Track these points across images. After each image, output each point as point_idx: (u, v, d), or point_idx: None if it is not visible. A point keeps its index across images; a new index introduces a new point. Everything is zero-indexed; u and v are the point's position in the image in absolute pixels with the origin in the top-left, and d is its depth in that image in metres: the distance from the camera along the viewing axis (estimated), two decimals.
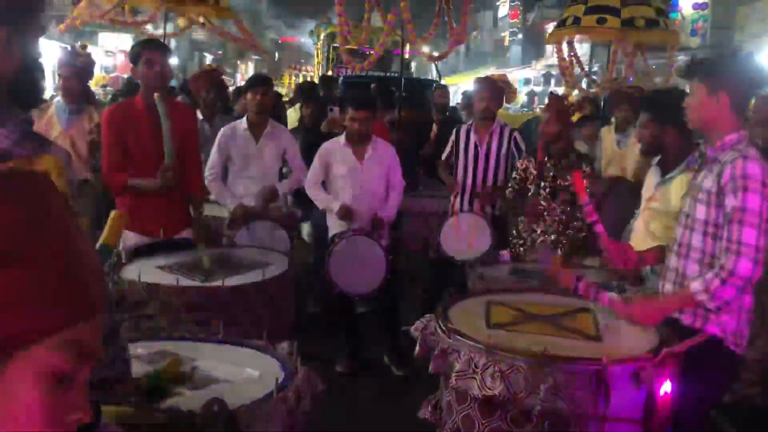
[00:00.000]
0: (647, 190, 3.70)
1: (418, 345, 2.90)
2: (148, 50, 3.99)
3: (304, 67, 25.24)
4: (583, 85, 9.24)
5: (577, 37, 8.61)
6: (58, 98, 4.85)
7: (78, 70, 5.04)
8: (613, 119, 6.38)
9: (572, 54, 8.67)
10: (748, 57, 2.91)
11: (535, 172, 4.73)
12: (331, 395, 4.03)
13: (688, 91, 2.87)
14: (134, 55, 4.05)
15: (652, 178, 3.69)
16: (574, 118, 4.79)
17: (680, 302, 2.76)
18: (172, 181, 3.92)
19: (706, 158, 2.79)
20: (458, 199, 5.56)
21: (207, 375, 2.37)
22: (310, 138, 6.24)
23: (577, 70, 8.87)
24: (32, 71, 1.66)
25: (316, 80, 13.16)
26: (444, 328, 2.77)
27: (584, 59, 9.76)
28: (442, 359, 2.71)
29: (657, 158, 3.70)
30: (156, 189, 3.92)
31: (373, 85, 8.57)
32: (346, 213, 4.87)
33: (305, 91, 7.91)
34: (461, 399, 2.66)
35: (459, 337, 2.67)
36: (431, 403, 3.06)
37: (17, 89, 1.63)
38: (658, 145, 3.60)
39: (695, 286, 2.60)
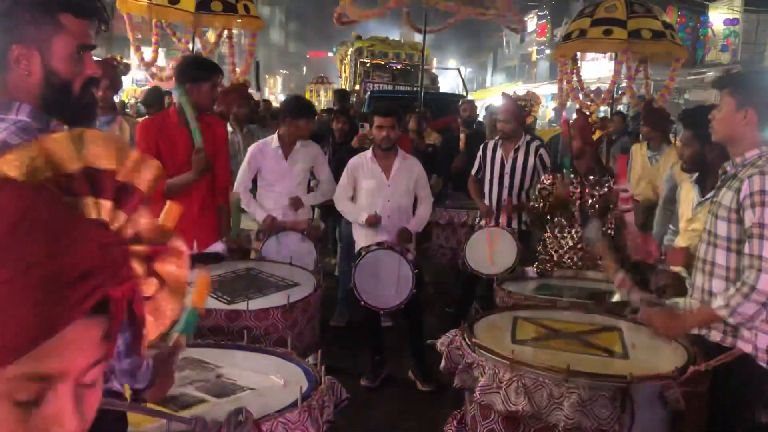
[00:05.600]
0: (686, 208, 3.66)
1: (443, 359, 2.90)
2: (217, 74, 4.08)
3: (326, 81, 25.32)
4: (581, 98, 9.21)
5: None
6: None
7: (114, 82, 5.13)
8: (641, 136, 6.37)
9: (574, 71, 8.69)
10: None
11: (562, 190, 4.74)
12: (355, 409, 4.07)
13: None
14: (198, 75, 4.00)
15: (690, 195, 3.66)
16: (595, 135, 4.80)
17: (703, 318, 2.73)
18: (204, 163, 3.92)
19: (726, 175, 2.77)
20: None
21: (232, 383, 2.40)
22: (341, 153, 6.29)
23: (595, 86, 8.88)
24: (69, 87, 1.67)
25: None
26: (469, 342, 2.77)
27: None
28: (466, 373, 2.71)
29: (694, 176, 3.67)
30: (190, 181, 3.93)
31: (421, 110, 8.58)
32: (373, 221, 4.90)
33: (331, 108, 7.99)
34: (486, 413, 2.66)
35: (484, 351, 2.68)
36: (456, 418, 3.05)
37: (51, 104, 1.65)
38: (700, 162, 3.57)
39: (717, 302, 2.58)
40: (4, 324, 0.64)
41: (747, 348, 2.65)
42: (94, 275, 0.69)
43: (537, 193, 4.96)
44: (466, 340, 2.80)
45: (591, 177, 4.69)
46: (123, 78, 5.81)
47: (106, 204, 0.74)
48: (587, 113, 6.39)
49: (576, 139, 4.68)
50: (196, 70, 4.11)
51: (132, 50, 8.89)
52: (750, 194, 2.54)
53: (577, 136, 4.68)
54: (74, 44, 1.64)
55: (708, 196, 3.44)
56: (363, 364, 5.02)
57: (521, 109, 5.64)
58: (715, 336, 2.72)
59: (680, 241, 3.53)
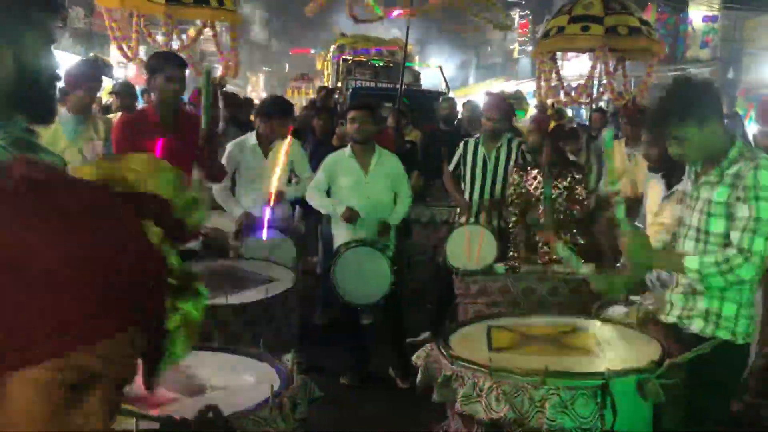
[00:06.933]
0: (652, 204, 3.68)
1: (420, 374, 2.87)
2: (170, 66, 4.02)
3: (308, 78, 25.23)
4: (561, 97, 9.27)
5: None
6: (63, 109, 4.83)
7: (98, 82, 5.07)
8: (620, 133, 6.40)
9: (553, 70, 8.76)
10: (705, 81, 2.98)
11: (529, 188, 4.79)
12: (335, 407, 4.07)
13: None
14: (153, 68, 4.05)
15: (655, 190, 3.68)
16: (551, 126, 4.85)
17: (671, 267, 2.84)
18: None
19: (706, 170, 2.79)
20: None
21: (203, 382, 2.37)
22: (322, 150, 6.26)
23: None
24: (37, 83, 1.66)
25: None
26: (446, 354, 2.75)
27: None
28: (445, 387, 2.67)
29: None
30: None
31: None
32: (351, 215, 4.88)
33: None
34: (468, 424, 2.64)
35: (462, 362, 2.65)
36: (442, 430, 3.04)
37: (19, 100, 1.64)
38: (668, 161, 3.59)
39: (691, 264, 2.66)
40: (74, 312, 0.68)
41: (726, 335, 2.70)
42: (155, 289, 0.75)
43: (510, 195, 4.99)
44: (444, 352, 2.77)
45: (553, 169, 4.73)
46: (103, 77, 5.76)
47: (159, 232, 0.78)
48: (546, 106, 6.46)
49: (534, 133, 4.73)
50: (153, 62, 4.11)
51: (113, 47, 8.76)
52: (745, 188, 2.60)
53: (534, 129, 4.73)
54: (43, 40, 1.64)
55: (675, 188, 3.47)
56: (344, 362, 5.01)
57: (509, 107, 5.66)
58: (696, 325, 2.76)
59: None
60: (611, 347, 2.84)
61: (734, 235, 2.61)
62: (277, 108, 5.19)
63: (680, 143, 2.76)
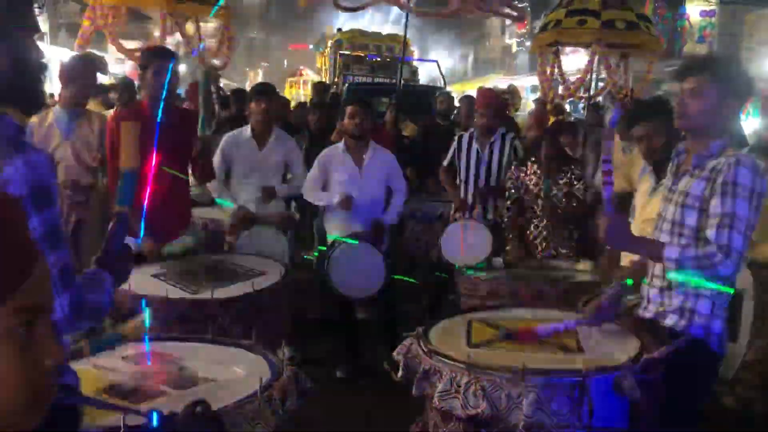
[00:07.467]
0: (641, 197, 3.68)
1: (401, 369, 2.86)
2: (158, 60, 3.99)
3: (305, 73, 25.19)
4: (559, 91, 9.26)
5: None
6: (57, 105, 4.82)
7: (93, 79, 5.05)
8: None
9: (555, 64, 8.76)
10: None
11: (529, 183, 4.79)
12: (330, 400, 4.08)
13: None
14: (143, 63, 4.05)
15: (645, 185, 3.68)
16: (550, 121, 4.88)
17: (648, 252, 2.78)
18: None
19: (686, 162, 2.78)
20: None
21: (194, 375, 2.39)
22: (318, 145, 6.26)
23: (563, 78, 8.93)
24: (25, 73, 1.66)
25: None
26: (425, 348, 2.75)
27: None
28: (424, 381, 2.67)
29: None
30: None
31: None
32: (347, 202, 4.89)
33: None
34: (446, 419, 2.63)
35: (440, 357, 2.65)
36: (419, 426, 3.04)
37: (7, 91, 1.64)
38: (660, 152, 3.58)
39: (671, 253, 2.61)
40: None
41: (699, 332, 2.69)
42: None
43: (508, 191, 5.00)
44: (422, 346, 2.77)
45: (552, 165, 4.73)
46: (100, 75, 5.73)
47: None
48: (546, 101, 6.46)
49: (533, 129, 4.74)
50: (143, 57, 4.12)
51: (109, 42, 8.66)
52: (723, 183, 2.56)
53: (533, 125, 4.74)
54: (33, 31, 1.64)
55: (660, 183, 3.45)
56: (339, 356, 5.03)
57: (502, 103, 5.67)
58: (670, 319, 2.75)
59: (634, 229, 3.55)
60: (591, 343, 2.83)
61: (711, 232, 2.57)
62: (258, 89, 5.23)
63: (693, 97, 2.67)
